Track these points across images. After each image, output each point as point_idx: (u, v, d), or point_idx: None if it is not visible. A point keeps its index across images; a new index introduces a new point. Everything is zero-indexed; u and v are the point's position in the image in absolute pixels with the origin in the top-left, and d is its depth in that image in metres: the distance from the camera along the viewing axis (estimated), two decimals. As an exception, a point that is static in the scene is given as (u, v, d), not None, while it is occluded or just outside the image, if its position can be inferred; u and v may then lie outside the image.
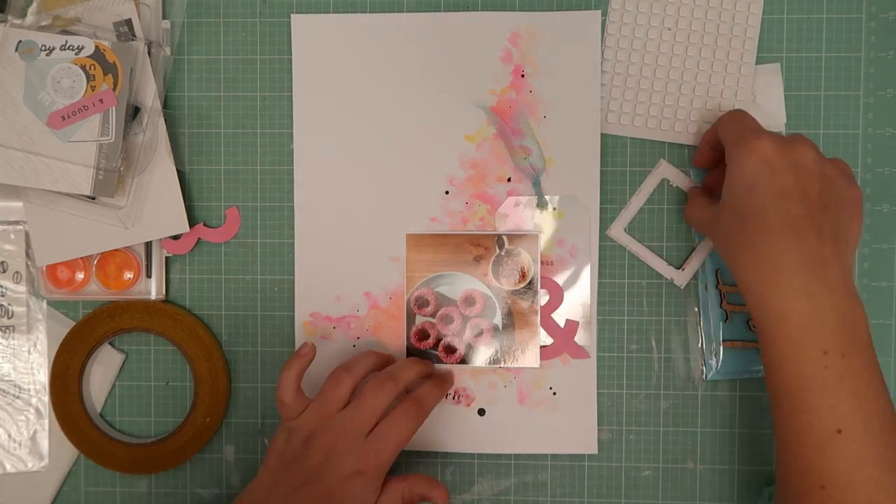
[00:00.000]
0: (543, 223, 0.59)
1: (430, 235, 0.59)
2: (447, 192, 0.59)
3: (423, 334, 0.59)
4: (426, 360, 0.58)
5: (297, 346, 0.59)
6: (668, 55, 0.58)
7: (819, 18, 0.59)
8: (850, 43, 0.58)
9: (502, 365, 0.59)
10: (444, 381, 0.57)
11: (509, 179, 0.59)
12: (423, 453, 0.60)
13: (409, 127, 0.59)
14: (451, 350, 0.59)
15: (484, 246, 0.59)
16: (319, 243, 0.59)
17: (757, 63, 0.58)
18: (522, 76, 0.59)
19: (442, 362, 0.59)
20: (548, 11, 0.59)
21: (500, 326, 0.59)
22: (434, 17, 0.59)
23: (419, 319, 0.59)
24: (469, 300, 0.59)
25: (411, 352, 0.59)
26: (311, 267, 0.59)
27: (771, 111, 0.58)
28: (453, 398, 0.59)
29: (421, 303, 0.59)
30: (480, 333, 0.59)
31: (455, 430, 0.59)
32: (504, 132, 0.59)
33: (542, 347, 0.59)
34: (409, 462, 0.60)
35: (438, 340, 0.59)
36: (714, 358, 0.58)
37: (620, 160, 0.59)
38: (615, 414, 0.59)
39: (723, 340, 0.58)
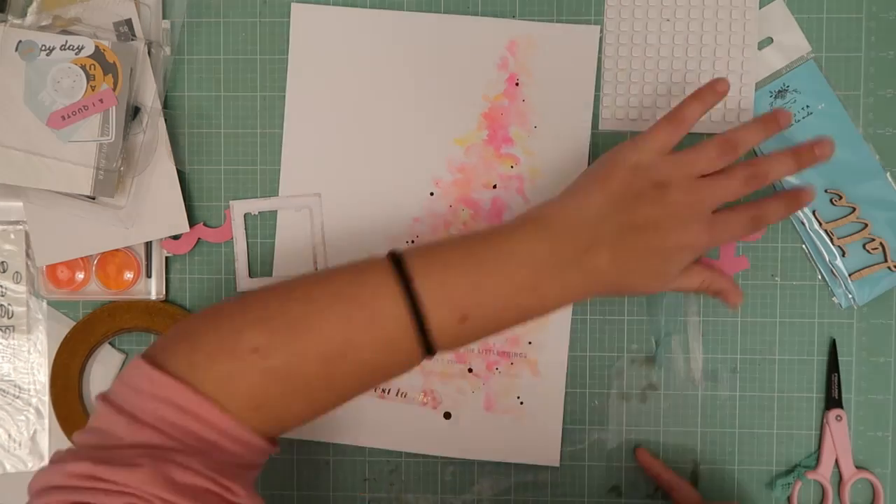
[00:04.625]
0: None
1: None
2: (432, 194, 0.59)
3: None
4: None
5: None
6: (670, 46, 0.58)
7: (819, 18, 0.59)
8: (850, 43, 0.58)
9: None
10: (796, 200, 0.52)
11: (495, 186, 0.59)
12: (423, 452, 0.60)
13: (399, 125, 0.59)
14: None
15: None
16: (301, 240, 0.59)
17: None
18: (517, 85, 0.59)
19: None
20: (548, 23, 0.58)
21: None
22: (434, 19, 0.59)
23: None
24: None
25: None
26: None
27: (792, 43, 0.58)
28: (421, 399, 0.59)
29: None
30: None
31: (420, 431, 0.59)
32: (494, 139, 0.59)
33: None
34: (408, 462, 0.60)
35: None
36: (848, 293, 0.58)
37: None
38: (615, 414, 0.59)
39: (849, 275, 0.58)
